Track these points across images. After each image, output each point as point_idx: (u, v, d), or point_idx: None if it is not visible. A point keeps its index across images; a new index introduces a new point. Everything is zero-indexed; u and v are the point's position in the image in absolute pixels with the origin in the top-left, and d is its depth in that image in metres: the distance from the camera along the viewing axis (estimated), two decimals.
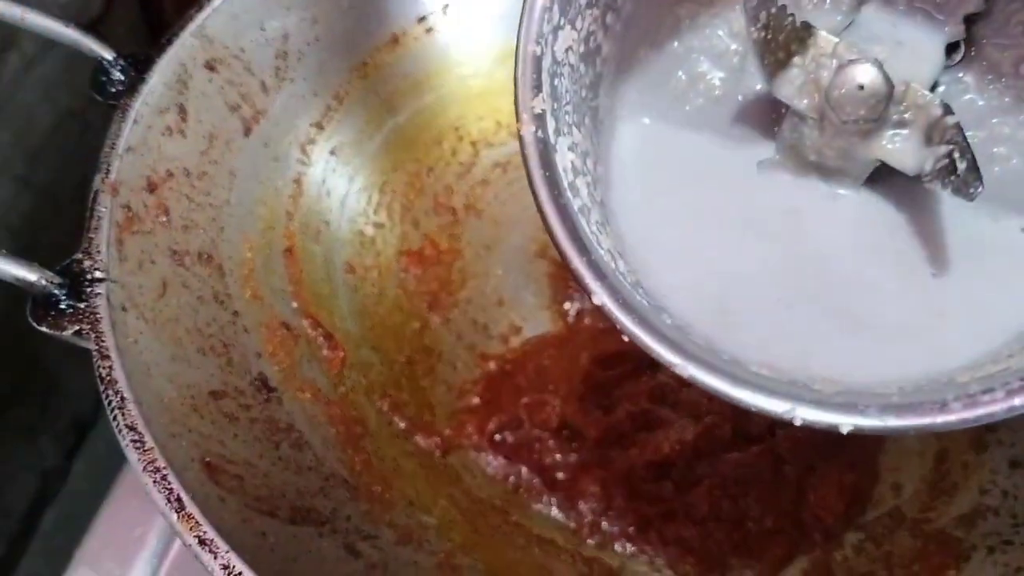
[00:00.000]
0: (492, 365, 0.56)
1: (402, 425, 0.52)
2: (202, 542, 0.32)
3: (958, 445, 0.50)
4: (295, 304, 0.51)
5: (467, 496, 0.50)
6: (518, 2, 0.31)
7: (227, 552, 0.31)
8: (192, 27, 0.47)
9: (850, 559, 0.47)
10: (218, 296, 0.46)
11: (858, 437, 0.51)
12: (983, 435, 0.49)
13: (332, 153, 0.56)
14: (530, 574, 0.46)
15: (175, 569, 0.55)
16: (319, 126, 0.56)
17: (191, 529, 0.32)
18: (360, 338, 0.54)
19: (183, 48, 0.46)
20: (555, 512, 0.50)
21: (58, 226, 0.73)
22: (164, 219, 0.43)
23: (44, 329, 0.37)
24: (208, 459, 0.37)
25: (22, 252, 0.38)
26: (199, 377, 0.41)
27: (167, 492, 0.33)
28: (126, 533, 0.57)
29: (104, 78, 0.44)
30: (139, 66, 0.44)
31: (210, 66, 0.48)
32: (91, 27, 0.48)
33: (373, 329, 0.55)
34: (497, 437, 0.53)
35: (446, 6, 0.61)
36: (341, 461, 0.46)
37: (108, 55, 0.44)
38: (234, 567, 0.31)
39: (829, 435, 0.52)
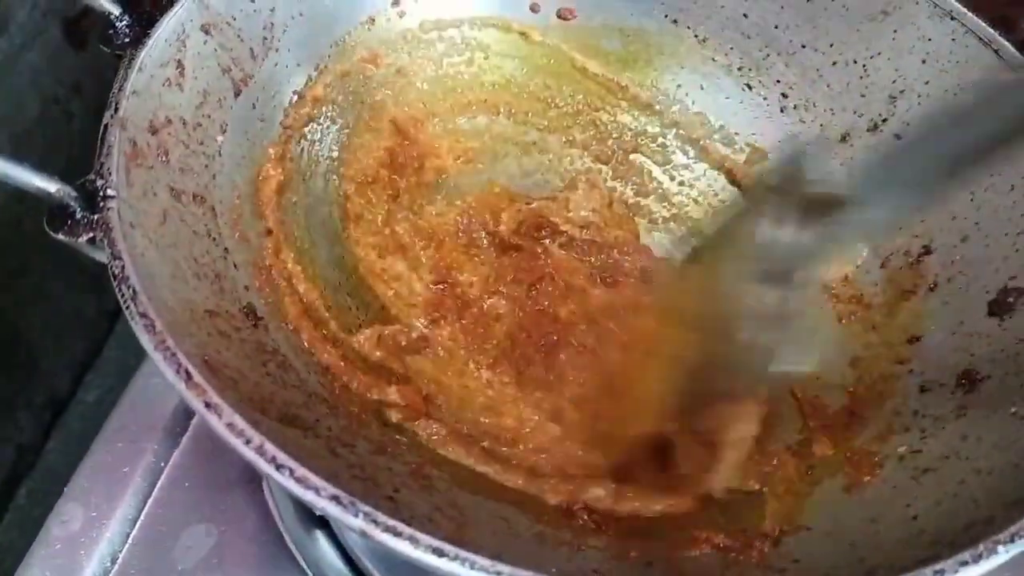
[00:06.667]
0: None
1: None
2: (208, 404, 0.36)
3: (873, 376, 0.55)
4: None
5: None
6: None
7: (232, 414, 0.36)
8: None
9: (780, 470, 0.53)
10: (211, 233, 0.50)
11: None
12: (895, 368, 0.55)
13: (312, 120, 0.61)
14: (490, 488, 0.50)
15: (159, 505, 0.59)
16: (301, 94, 0.60)
17: (199, 395, 0.36)
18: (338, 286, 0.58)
19: (182, 10, 0.51)
20: None
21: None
22: (164, 159, 0.48)
23: (60, 237, 0.41)
24: (207, 358, 0.41)
25: None
26: (196, 296, 0.45)
27: (176, 367, 0.37)
28: (114, 471, 0.60)
29: (111, 31, 0.49)
30: (143, 22, 0.49)
31: (205, 29, 0.53)
32: None
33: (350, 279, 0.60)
34: None
35: None
36: (321, 384, 0.50)
37: (116, 10, 0.49)
38: (237, 425, 0.35)
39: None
